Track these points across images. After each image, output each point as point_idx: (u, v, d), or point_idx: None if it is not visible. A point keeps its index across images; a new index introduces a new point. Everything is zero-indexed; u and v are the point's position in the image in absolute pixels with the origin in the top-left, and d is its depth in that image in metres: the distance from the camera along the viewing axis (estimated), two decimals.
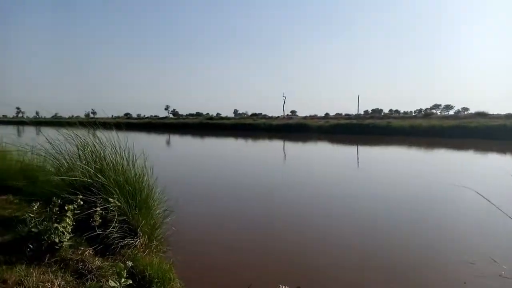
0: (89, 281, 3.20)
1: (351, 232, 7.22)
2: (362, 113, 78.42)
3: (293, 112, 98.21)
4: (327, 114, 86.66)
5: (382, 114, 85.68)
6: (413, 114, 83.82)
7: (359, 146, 30.13)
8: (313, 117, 77.60)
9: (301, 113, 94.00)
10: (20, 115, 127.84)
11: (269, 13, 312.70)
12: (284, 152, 26.82)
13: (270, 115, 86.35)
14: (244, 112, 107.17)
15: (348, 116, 71.37)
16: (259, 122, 58.04)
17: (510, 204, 7.34)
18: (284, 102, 77.82)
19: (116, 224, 4.19)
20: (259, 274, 5.32)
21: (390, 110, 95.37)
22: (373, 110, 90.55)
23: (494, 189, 10.74)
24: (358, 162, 20.07)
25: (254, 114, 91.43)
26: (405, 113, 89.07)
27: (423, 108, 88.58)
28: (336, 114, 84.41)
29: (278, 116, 79.48)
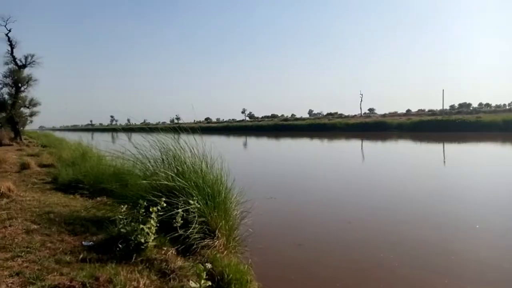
0: (171, 281, 3.36)
1: (435, 240, 6.74)
2: (447, 108, 72.61)
3: (371, 110, 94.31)
4: (408, 110, 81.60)
5: (471, 108, 78.00)
6: (508, 107, 75.15)
7: (445, 144, 27.98)
8: (393, 114, 73.91)
9: (380, 110, 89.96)
10: (113, 122, 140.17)
11: (335, 13, 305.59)
12: (362, 152, 25.88)
13: (346, 114, 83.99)
14: (319, 112, 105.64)
15: (432, 112, 66.67)
16: (334, 121, 56.88)
17: None
18: (361, 100, 75.14)
19: (196, 225, 4.35)
20: (337, 279, 5.17)
21: (480, 104, 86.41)
22: (460, 105, 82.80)
23: None
24: (444, 162, 18.66)
25: (329, 114, 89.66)
26: (497, 106, 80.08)
27: None
28: (419, 110, 79.27)
29: (355, 115, 77.05)
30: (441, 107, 60.66)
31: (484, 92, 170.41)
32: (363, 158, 22.32)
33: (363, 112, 78.30)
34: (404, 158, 20.49)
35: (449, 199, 9.81)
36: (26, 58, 27.57)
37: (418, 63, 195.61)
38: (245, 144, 38.94)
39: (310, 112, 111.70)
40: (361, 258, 5.98)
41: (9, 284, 2.98)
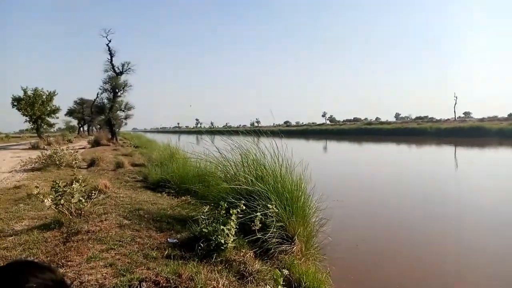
0: (249, 283, 3.39)
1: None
2: None
3: (466, 113, 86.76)
4: (510, 114, 73.45)
5: None
6: None
7: None
8: (493, 118, 67.10)
9: (477, 114, 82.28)
10: (198, 125, 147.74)
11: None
12: (455, 159, 23.82)
13: (438, 117, 78.28)
14: (407, 115, 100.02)
15: None
16: (424, 126, 53.19)
17: None
18: (455, 103, 69.39)
19: (274, 230, 4.35)
20: None
21: None
22: None
23: None
24: None
25: (418, 118, 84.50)
26: None
27: None
28: None
29: (448, 119, 71.42)
30: None
31: None
32: (456, 167, 20.55)
33: (457, 116, 72.39)
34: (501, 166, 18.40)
35: None
36: (123, 65, 30.38)
37: None
38: (325, 148, 38.27)
39: (396, 115, 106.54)
40: (434, 265, 5.49)
41: (103, 274, 3.25)
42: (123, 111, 33.86)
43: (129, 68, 30.47)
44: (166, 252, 3.87)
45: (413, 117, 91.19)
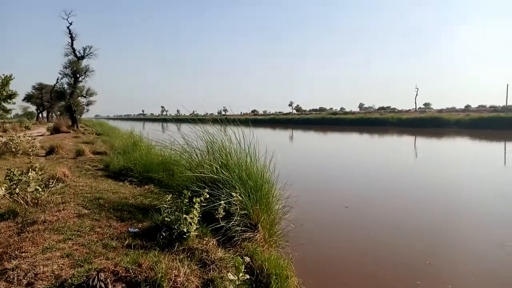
0: (211, 271, 3.39)
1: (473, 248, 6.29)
2: None
3: (426, 104, 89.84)
4: (467, 106, 76.81)
5: None
6: None
7: (506, 143, 26.07)
8: (451, 110, 70.04)
9: (436, 105, 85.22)
10: (164, 113, 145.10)
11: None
12: (415, 149, 24.76)
13: (399, 108, 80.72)
14: (370, 106, 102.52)
15: (494, 108, 62.24)
16: (386, 116, 54.74)
17: None
18: (417, 94, 71.94)
19: (238, 218, 4.36)
20: (377, 280, 5.00)
21: None
22: None
23: None
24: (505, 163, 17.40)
25: (381, 108, 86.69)
26: None
27: None
28: (479, 106, 74.20)
29: (409, 110, 73.88)
30: (504, 103, 56.47)
31: None
32: (415, 155, 21.37)
33: (418, 107, 75.03)
34: (457, 156, 19.37)
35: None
36: (84, 49, 29.22)
37: (480, 56, 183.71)
38: (291, 137, 38.70)
39: (360, 105, 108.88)
40: (408, 257, 5.78)
41: (60, 265, 3.14)
42: (85, 97, 32.76)
43: (91, 53, 29.35)
44: (126, 242, 3.79)
45: (376, 107, 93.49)
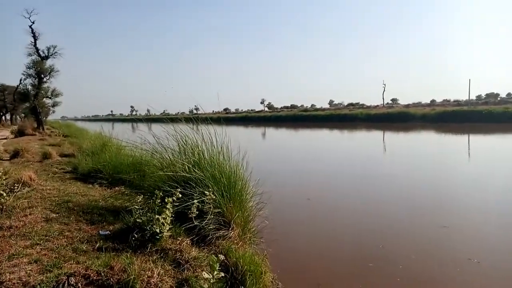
0: (185, 271, 3.36)
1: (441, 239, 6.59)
2: (474, 98, 70.28)
3: (394, 100, 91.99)
4: (433, 100, 79.36)
5: (499, 98, 74.94)
6: None
7: (470, 135, 27.21)
8: (417, 104, 72.30)
9: (403, 101, 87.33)
10: (134, 113, 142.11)
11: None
12: (384, 144, 25.43)
13: (368, 104, 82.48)
14: (340, 102, 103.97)
15: (457, 102, 64.74)
16: (356, 112, 55.98)
17: None
18: (384, 90, 73.79)
19: (212, 216, 4.34)
20: (355, 277, 5.11)
21: (508, 94, 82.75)
22: (487, 95, 79.89)
23: None
24: (469, 155, 18.14)
25: (350, 104, 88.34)
26: None
27: None
28: (444, 100, 76.90)
29: (377, 105, 75.66)
30: (467, 98, 58.91)
31: None
32: (384, 151, 21.96)
33: (385, 102, 76.94)
34: (424, 150, 20.06)
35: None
36: (48, 49, 28.12)
37: (444, 52, 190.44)
38: (263, 135, 38.87)
39: (330, 102, 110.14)
40: (369, 244, 6.08)
41: (28, 271, 3.03)
42: (50, 98, 31.51)
43: (55, 52, 28.22)
44: (97, 245, 3.70)
45: (346, 103, 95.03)
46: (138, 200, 4.25)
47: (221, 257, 3.02)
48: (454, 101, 70.36)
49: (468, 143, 23.24)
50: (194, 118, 6.28)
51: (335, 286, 4.64)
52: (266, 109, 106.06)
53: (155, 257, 3.51)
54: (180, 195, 4.13)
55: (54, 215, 4.72)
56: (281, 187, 10.33)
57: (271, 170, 12.92)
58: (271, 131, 43.61)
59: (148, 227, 3.76)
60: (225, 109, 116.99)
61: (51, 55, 28.19)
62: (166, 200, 3.90)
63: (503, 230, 6.76)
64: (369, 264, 5.39)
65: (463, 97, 68.59)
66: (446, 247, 6.05)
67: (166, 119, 6.71)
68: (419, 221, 7.42)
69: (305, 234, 6.77)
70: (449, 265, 5.32)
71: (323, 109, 78.57)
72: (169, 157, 5.62)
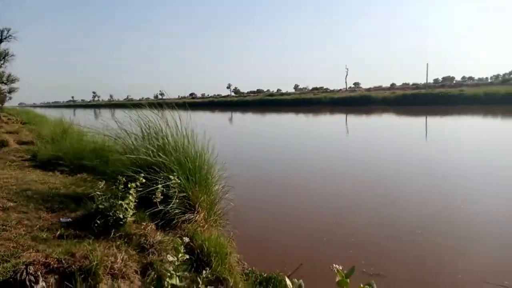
0: (150, 255, 3.36)
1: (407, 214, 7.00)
2: (431, 81, 72.83)
3: (356, 84, 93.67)
4: (393, 84, 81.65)
5: (454, 82, 78.04)
6: (489, 80, 75.43)
7: (427, 117, 28.34)
8: (378, 88, 74.11)
9: (365, 84, 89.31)
10: (96, 98, 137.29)
11: None
12: (346, 127, 26.04)
13: (332, 88, 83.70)
14: (305, 86, 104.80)
15: (416, 86, 66.89)
16: (320, 96, 56.76)
17: None
18: (347, 74, 75.10)
19: (177, 200, 4.33)
20: (314, 251, 5.34)
21: (463, 77, 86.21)
22: (444, 78, 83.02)
23: None
24: (426, 136, 18.94)
25: (315, 88, 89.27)
26: (480, 79, 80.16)
27: (501, 74, 78.76)
28: (403, 84, 79.30)
29: (341, 89, 76.96)
30: (425, 81, 61.01)
31: (469, 66, 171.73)
32: (346, 132, 22.51)
33: (348, 86, 78.38)
34: (383, 131, 20.74)
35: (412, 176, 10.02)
36: (1, 32, 26.46)
37: (403, 36, 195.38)
38: (230, 120, 38.77)
39: (296, 87, 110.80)
40: (325, 220, 6.50)
41: None
42: (6, 83, 29.85)
43: (9, 35, 26.59)
44: (58, 233, 3.61)
45: (310, 88, 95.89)
46: (100, 186, 4.16)
47: (186, 239, 3.02)
48: (413, 84, 72.68)
49: (426, 125, 24.22)
50: (159, 104, 6.17)
51: (297, 261, 4.77)
52: (233, 94, 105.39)
53: (118, 242, 3.47)
54: (144, 180, 4.08)
55: (12, 204, 4.53)
56: (247, 170, 10.42)
57: (237, 155, 12.97)
58: (237, 116, 43.53)
59: (111, 213, 3.71)
60: (191, 94, 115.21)
61: (5, 38, 26.54)
62: (129, 185, 3.85)
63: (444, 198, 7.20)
64: (323, 239, 5.78)
65: (422, 80, 70.89)
66: (393, 221, 6.54)
67: (130, 104, 6.56)
68: (371, 199, 7.87)
69: (270, 215, 6.94)
70: (396, 236, 5.83)
71: (289, 94, 79.06)
72: (132, 142, 5.52)
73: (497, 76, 76.71)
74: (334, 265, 1.32)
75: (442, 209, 6.96)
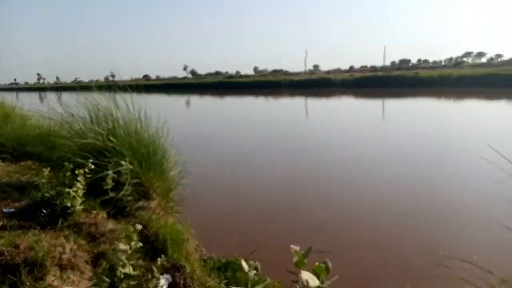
0: (102, 244, 3.23)
1: (360, 191, 7.22)
2: (389, 64, 75.36)
3: (315, 66, 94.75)
4: (351, 67, 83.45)
5: (410, 65, 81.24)
6: (443, 63, 79.23)
7: (384, 99, 29.32)
8: (337, 71, 75.57)
9: (324, 67, 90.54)
10: (41, 81, 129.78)
11: None
12: (306, 109, 26.41)
13: (291, 71, 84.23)
14: (264, 69, 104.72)
15: (374, 68, 68.80)
16: (280, 78, 56.89)
17: None
18: (306, 57, 75.89)
19: (129, 187, 4.17)
20: (271, 233, 5.41)
21: (419, 60, 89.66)
22: (400, 61, 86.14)
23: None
24: (383, 117, 19.61)
25: (274, 71, 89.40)
26: (434, 62, 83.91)
27: (454, 57, 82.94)
28: (362, 66, 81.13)
29: (300, 72, 77.68)
30: (382, 64, 62.93)
31: (424, 51, 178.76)
32: (307, 115, 22.85)
33: (308, 68, 79.28)
34: (342, 114, 21.27)
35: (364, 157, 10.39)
36: None
37: (361, 20, 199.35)
38: (187, 103, 38.15)
39: (255, 69, 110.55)
40: (289, 211, 6.39)
41: None
42: None
43: None
44: (0, 224, 3.38)
45: (270, 70, 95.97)
46: (45, 174, 3.92)
47: (139, 226, 2.91)
48: (371, 67, 74.68)
49: (383, 107, 25.05)
50: (110, 86, 5.88)
51: (256, 244, 4.80)
52: (190, 75, 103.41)
53: (67, 232, 3.30)
54: (93, 166, 3.88)
55: None
56: (205, 155, 10.31)
57: (195, 140, 12.82)
58: (195, 99, 42.86)
59: (58, 202, 3.51)
60: (145, 76, 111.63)
61: None
62: (77, 172, 3.65)
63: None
64: (281, 222, 5.90)
65: (379, 63, 73.05)
66: (346, 201, 6.78)
67: (78, 87, 6.23)
68: (327, 181, 8.08)
69: (228, 200, 6.90)
70: (347, 216, 6.09)
71: (248, 76, 78.78)
72: (79, 126, 5.25)
73: (450, 59, 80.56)
74: (291, 246, 1.33)
75: (391, 187, 7.27)
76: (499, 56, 74.15)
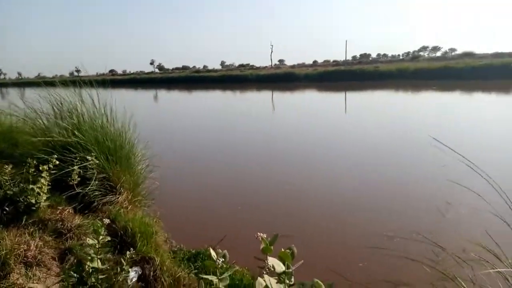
0: (69, 240, 3.18)
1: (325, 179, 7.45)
2: (350, 59, 76.94)
3: (281, 61, 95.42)
4: (315, 61, 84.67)
5: (370, 59, 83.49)
6: (401, 57, 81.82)
7: (346, 93, 30.01)
8: (301, 65, 76.32)
9: (289, 62, 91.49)
10: (1, 76, 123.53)
11: None
12: (272, 103, 26.63)
13: (257, 65, 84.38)
14: (231, 63, 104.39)
15: (336, 63, 70.04)
16: (246, 73, 56.95)
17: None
18: (272, 51, 76.21)
19: (96, 182, 4.12)
20: (239, 223, 5.53)
21: (378, 55, 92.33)
22: (361, 55, 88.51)
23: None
24: (345, 110, 20.07)
25: (241, 65, 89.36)
26: (393, 56, 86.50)
27: (411, 51, 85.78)
28: (324, 61, 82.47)
29: (266, 66, 77.93)
30: (344, 58, 64.20)
31: (383, 45, 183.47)
32: (273, 109, 23.04)
33: (273, 63, 79.65)
34: (305, 106, 21.62)
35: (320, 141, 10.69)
36: None
37: (323, 13, 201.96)
38: (155, 98, 37.52)
39: (222, 63, 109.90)
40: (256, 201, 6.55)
41: None
42: None
43: None
44: None
45: (237, 64, 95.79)
46: (7, 171, 3.80)
47: (106, 221, 2.90)
48: (334, 61, 75.97)
49: (345, 100, 25.63)
50: (74, 81, 5.73)
51: (224, 234, 4.86)
52: (157, 70, 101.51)
53: (32, 229, 3.22)
54: (58, 162, 3.80)
55: None
56: (172, 149, 10.25)
57: (162, 134, 12.69)
58: (162, 94, 42.20)
59: (21, 199, 3.42)
60: (111, 71, 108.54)
61: None
62: (41, 168, 3.56)
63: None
64: (238, 207, 6.18)
65: (341, 57, 74.39)
66: (310, 188, 7.03)
67: (41, 83, 6.04)
68: (288, 169, 8.30)
69: (196, 192, 6.95)
70: (310, 203, 6.20)
71: (216, 70, 78.26)
72: (43, 122, 5.10)
73: (407, 53, 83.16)
74: (258, 233, 1.38)
75: (350, 172, 7.57)
76: (452, 50, 77.01)
